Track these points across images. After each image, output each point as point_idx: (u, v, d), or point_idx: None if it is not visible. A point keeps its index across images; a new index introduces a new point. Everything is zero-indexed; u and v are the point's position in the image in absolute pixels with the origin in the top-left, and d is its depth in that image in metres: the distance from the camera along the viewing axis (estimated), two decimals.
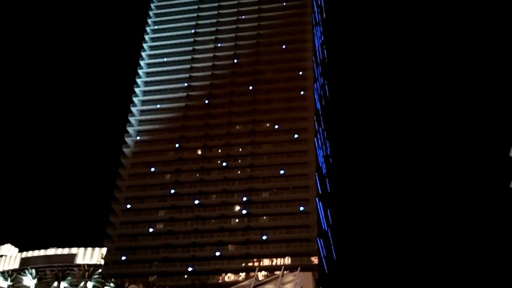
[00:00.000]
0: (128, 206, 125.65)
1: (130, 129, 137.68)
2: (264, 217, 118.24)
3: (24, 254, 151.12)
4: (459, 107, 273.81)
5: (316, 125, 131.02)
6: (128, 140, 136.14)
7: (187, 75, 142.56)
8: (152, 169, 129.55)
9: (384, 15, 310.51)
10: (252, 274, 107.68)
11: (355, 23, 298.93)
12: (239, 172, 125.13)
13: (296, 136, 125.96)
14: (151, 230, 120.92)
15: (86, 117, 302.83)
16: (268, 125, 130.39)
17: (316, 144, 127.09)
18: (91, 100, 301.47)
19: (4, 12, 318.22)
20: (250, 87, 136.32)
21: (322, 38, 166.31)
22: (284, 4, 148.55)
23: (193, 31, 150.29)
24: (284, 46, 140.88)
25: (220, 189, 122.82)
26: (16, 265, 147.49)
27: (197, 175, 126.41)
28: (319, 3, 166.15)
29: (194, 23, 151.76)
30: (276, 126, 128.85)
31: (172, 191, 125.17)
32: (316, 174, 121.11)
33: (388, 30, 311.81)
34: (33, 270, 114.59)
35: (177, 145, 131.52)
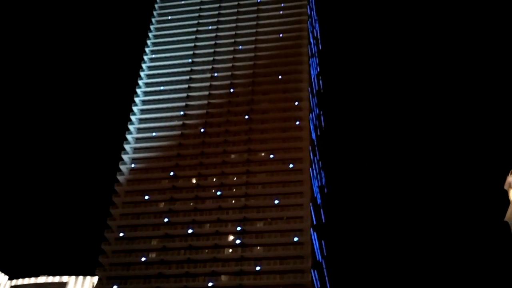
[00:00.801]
0: (121, 234, 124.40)
1: (125, 157, 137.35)
2: (258, 248, 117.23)
3: (14, 282, 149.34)
4: (454, 137, 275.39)
5: (311, 155, 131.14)
6: (122, 167, 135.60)
7: (183, 103, 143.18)
8: (146, 197, 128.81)
9: (379, 48, 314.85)
10: None
11: (350, 55, 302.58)
12: (233, 201, 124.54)
13: (291, 166, 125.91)
14: (143, 259, 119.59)
15: (81, 143, 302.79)
16: (263, 154, 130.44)
17: (311, 174, 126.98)
18: (87, 127, 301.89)
19: (6, 13, 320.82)
20: (246, 117, 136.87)
21: (318, 69, 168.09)
22: (281, 35, 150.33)
23: (190, 60, 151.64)
24: (280, 77, 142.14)
25: (214, 218, 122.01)
26: None
27: (191, 203, 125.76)
28: (315, 35, 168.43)
29: (191, 52, 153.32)
30: (271, 156, 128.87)
31: (166, 219, 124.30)
32: (310, 204, 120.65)
33: (383, 63, 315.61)
34: None
35: (171, 174, 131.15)
